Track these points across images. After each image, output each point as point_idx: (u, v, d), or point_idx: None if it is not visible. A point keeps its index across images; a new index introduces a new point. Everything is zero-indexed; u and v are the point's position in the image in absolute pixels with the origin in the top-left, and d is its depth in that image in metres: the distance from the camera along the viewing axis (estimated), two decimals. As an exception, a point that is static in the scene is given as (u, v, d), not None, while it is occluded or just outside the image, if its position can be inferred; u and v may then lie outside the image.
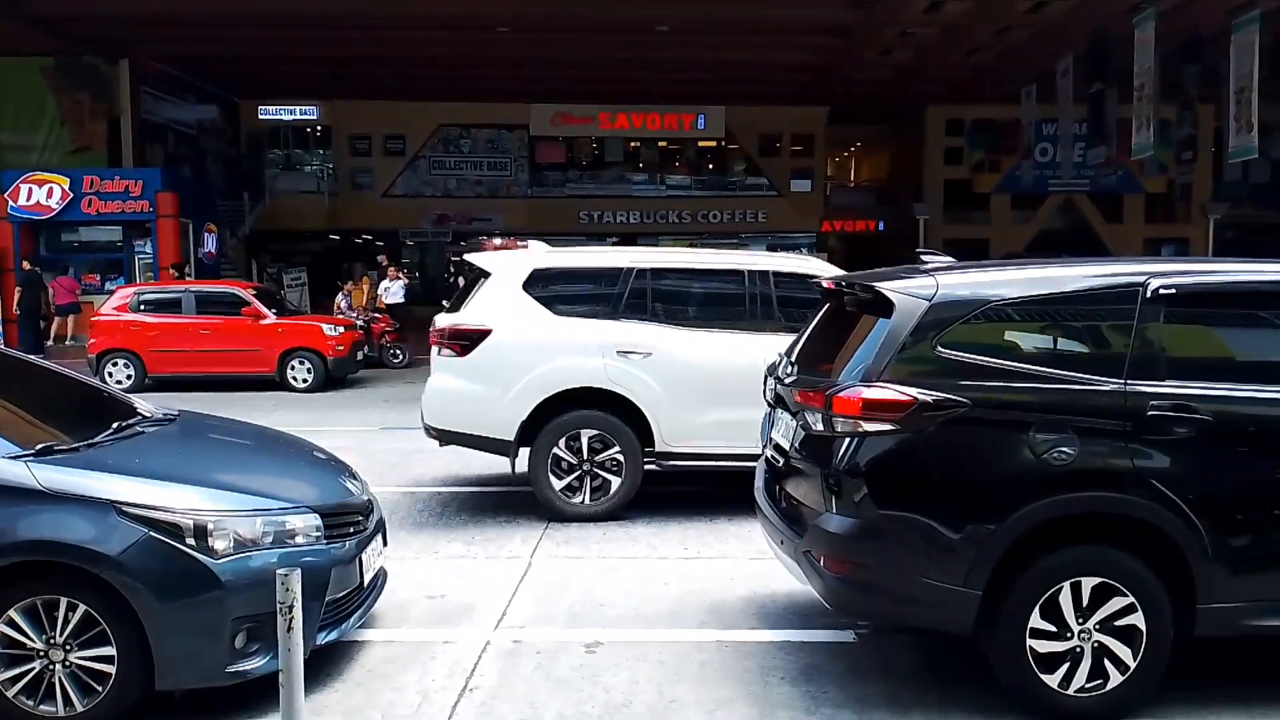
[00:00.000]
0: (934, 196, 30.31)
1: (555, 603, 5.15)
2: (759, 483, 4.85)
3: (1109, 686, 3.69)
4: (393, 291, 19.01)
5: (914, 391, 3.68)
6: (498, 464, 8.71)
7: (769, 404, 4.76)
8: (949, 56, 23.69)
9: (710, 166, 33.89)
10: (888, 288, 4.00)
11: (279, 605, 2.82)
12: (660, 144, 32.74)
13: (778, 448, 4.46)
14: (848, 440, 3.76)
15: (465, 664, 4.31)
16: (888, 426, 3.70)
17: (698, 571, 5.71)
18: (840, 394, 3.78)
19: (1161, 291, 3.84)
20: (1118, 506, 3.70)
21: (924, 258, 4.71)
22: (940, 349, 3.78)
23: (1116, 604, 3.66)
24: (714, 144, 32.99)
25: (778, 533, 4.29)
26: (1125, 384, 3.74)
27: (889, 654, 4.43)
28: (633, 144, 32.35)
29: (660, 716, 3.84)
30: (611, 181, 32.60)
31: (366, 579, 4.29)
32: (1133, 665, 3.68)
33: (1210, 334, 4.15)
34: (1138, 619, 3.66)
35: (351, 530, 4.20)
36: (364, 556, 4.23)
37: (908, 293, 3.92)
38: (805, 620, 4.86)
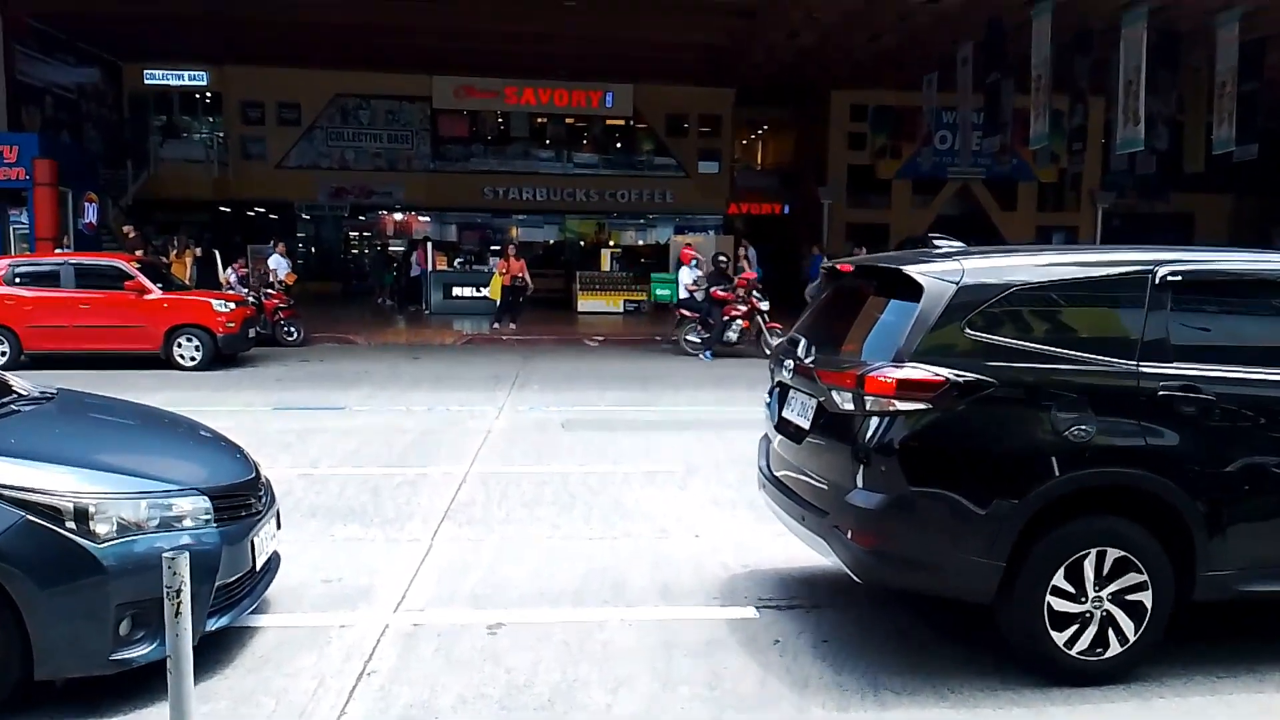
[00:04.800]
0: (838, 180, 30.83)
1: (457, 584, 5.07)
2: (763, 461, 4.97)
3: (1119, 650, 3.92)
4: (281, 267, 18.47)
5: (946, 372, 3.80)
6: (396, 446, 8.59)
7: (780, 384, 4.81)
8: (852, 42, 24.07)
9: (618, 145, 33.78)
10: (916, 271, 4.10)
11: (165, 590, 2.70)
12: (567, 121, 32.46)
13: (792, 426, 4.53)
14: (879, 419, 3.86)
15: (363, 648, 4.21)
16: (920, 406, 3.81)
17: (602, 550, 5.71)
18: (873, 374, 3.87)
19: (1169, 278, 4.05)
20: (1131, 481, 3.91)
21: (936, 242, 4.83)
22: (968, 330, 3.90)
23: (1126, 572, 3.88)
24: (622, 122, 32.88)
25: (795, 509, 4.38)
26: (1138, 366, 3.94)
27: (788, 628, 4.50)
28: (539, 120, 31.99)
29: (562, 696, 3.82)
30: (517, 157, 32.21)
31: (259, 562, 4.15)
32: (1138, 630, 3.91)
33: (1214, 319, 4.30)
34: (1145, 585, 3.89)
35: (243, 512, 4.05)
36: (256, 539, 4.08)
37: (936, 276, 4.03)
38: (708, 596, 4.92)
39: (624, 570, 5.32)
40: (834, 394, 4.11)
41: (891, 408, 3.83)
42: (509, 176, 31.53)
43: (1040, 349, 3.95)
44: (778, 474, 4.76)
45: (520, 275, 20.13)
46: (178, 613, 2.67)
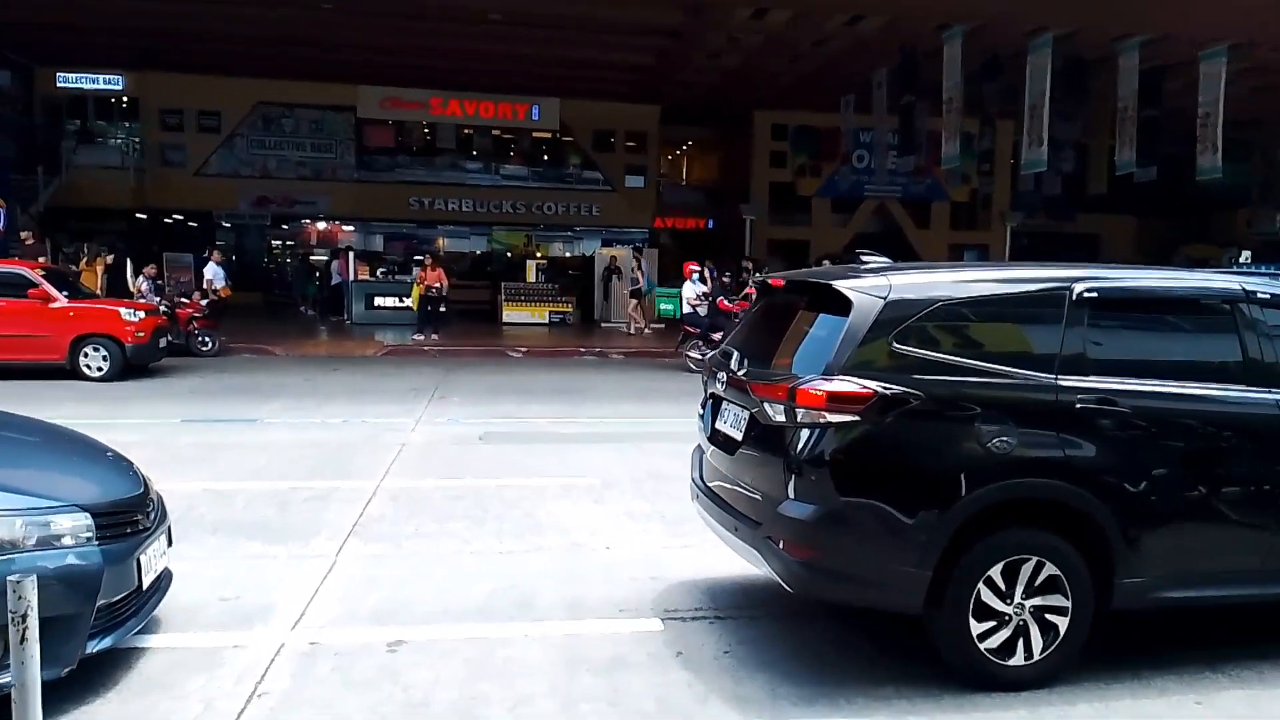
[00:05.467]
0: (760, 198, 31.22)
1: (359, 602, 4.98)
2: (696, 472, 5.00)
3: (1040, 656, 4.03)
4: (219, 277, 18.04)
5: (874, 385, 3.88)
6: (307, 460, 8.43)
7: (713, 396, 4.87)
8: (773, 64, 24.48)
9: (545, 158, 33.75)
10: (845, 286, 4.17)
11: (10, 615, 2.57)
12: (495, 133, 32.31)
13: (725, 438, 4.58)
14: (810, 431, 3.93)
15: (256, 669, 4.11)
16: (849, 418, 3.88)
17: (512, 565, 5.66)
18: (804, 386, 3.94)
19: (1086, 295, 4.20)
20: (1051, 492, 4.02)
21: (864, 258, 4.92)
22: (895, 344, 3.99)
23: (1048, 582, 4.00)
24: (549, 136, 32.85)
25: (729, 519, 4.42)
26: (1056, 379, 4.06)
27: (692, 640, 4.52)
28: (466, 131, 31.78)
29: (460, 714, 3.78)
30: (444, 169, 31.91)
31: (146, 581, 4.02)
32: (1061, 636, 4.03)
33: (1128, 334, 4.44)
34: (1066, 595, 4.01)
35: (128, 529, 3.92)
36: (143, 557, 3.96)
37: (865, 291, 4.11)
38: (615, 609, 4.91)
39: (533, 585, 5.29)
40: (766, 406, 4.17)
41: (822, 420, 3.90)
42: (436, 187, 31.23)
43: (964, 363, 4.06)
44: (711, 485, 4.81)
45: (436, 285, 19.91)
46: (23, 639, 2.55)
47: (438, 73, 26.85)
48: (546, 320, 24.74)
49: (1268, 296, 4.48)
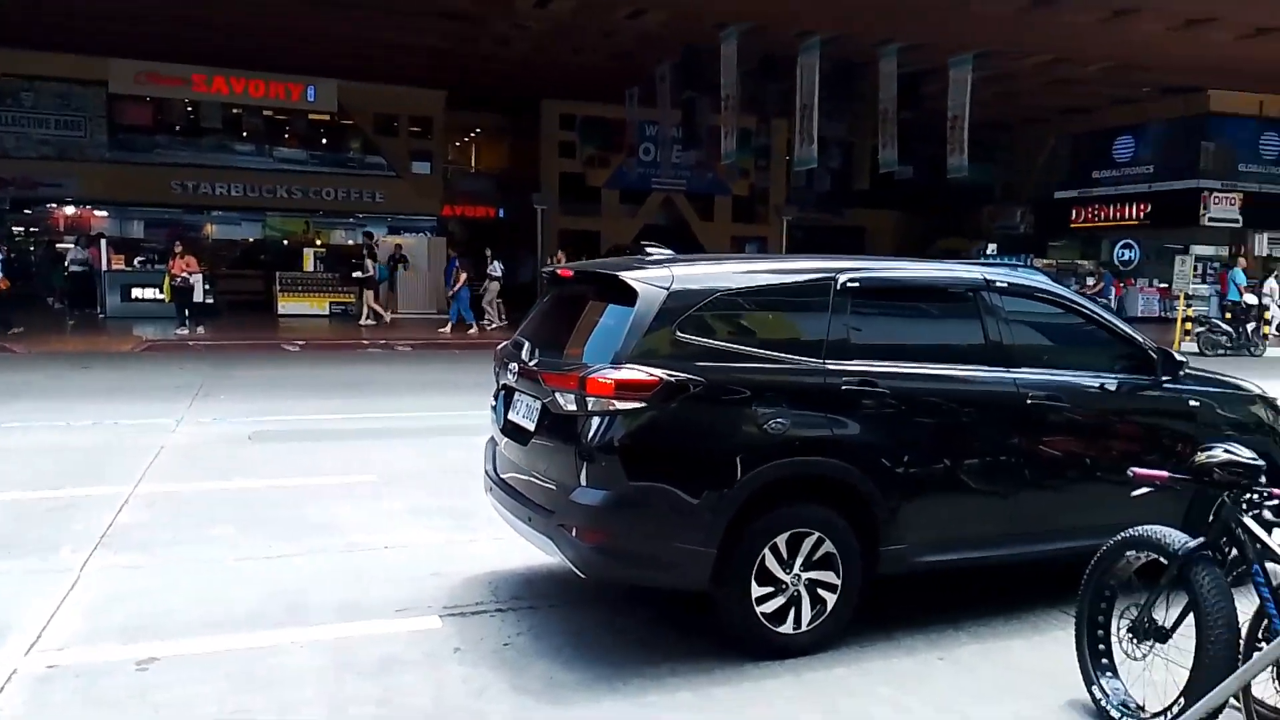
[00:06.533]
0: (550, 188, 31.23)
1: (106, 618, 4.58)
2: (489, 464, 4.98)
3: (816, 622, 4.27)
4: None
5: (660, 372, 4.01)
6: (50, 466, 7.68)
7: (505, 387, 4.85)
8: (561, 53, 24.50)
9: (324, 141, 32.26)
10: (631, 277, 4.29)
11: None
12: (267, 113, 30.52)
13: (517, 428, 4.58)
14: (600, 419, 4.02)
15: (-19, 699, 3.71)
16: (637, 405, 3.99)
17: (282, 570, 5.39)
18: (593, 375, 4.02)
19: (848, 284, 4.47)
20: (822, 469, 4.28)
21: (649, 250, 5.00)
22: (679, 333, 4.13)
23: (822, 551, 4.24)
24: (328, 118, 31.42)
25: (523, 510, 4.46)
26: (824, 363, 4.32)
27: (471, 635, 4.46)
28: (235, 110, 29.84)
29: (220, 730, 3.56)
30: (211, 150, 29.81)
31: None
32: (833, 604, 4.28)
33: (887, 320, 4.73)
34: (837, 563, 4.27)
35: None
36: None
37: (649, 282, 4.24)
38: (391, 610, 4.77)
39: (304, 589, 5.06)
40: (557, 396, 4.23)
41: (611, 407, 3.99)
42: (202, 170, 29.08)
43: (741, 349, 4.26)
44: (504, 477, 4.81)
45: (184, 274, 18.65)
46: None
47: (202, 47, 25.02)
48: (327, 312, 23.72)
49: (1006, 285, 4.93)
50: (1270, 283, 23.11)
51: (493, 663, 4.17)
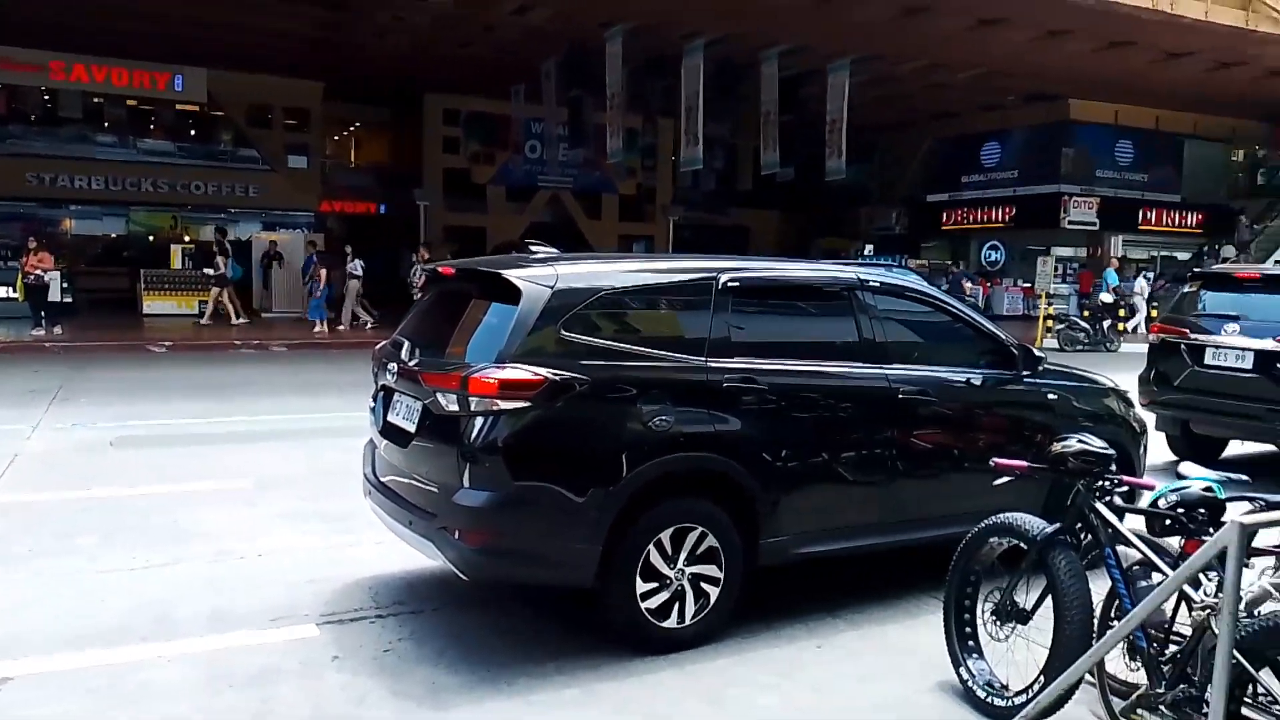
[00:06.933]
0: (434, 183, 30.74)
1: (-47, 638, 4.30)
2: (368, 468, 4.84)
3: (700, 616, 4.32)
4: None
5: (544, 371, 3.99)
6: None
7: (384, 388, 4.73)
8: (444, 47, 24.12)
9: (193, 133, 30.92)
10: (514, 276, 4.25)
11: None
12: (131, 103, 29.04)
13: (397, 430, 4.47)
14: (483, 419, 3.97)
15: None
16: (522, 404, 3.96)
17: (150, 581, 5.15)
18: (476, 375, 3.97)
19: (729, 284, 4.53)
20: (706, 464, 4.33)
21: (533, 248, 4.96)
22: (563, 332, 4.12)
23: (705, 545, 4.30)
24: (197, 109, 30.11)
25: (403, 514, 4.37)
26: (706, 361, 4.37)
27: (350, 642, 4.36)
28: (96, 100, 28.28)
29: (80, 751, 3.38)
30: (70, 141, 28.21)
31: None
32: (716, 596, 4.34)
33: (767, 318, 4.82)
34: (719, 556, 4.32)
35: None
36: None
37: (533, 281, 4.21)
38: (266, 619, 4.62)
39: (173, 600, 4.84)
40: (439, 396, 4.16)
41: (495, 407, 3.95)
42: (59, 162, 27.48)
43: (626, 348, 4.27)
44: (384, 479, 4.70)
45: (37, 271, 17.63)
46: None
47: (61, 33, 23.64)
48: (197, 311, 22.73)
49: (878, 284, 5.11)
50: (1139, 281, 24.60)
51: (373, 669, 4.08)
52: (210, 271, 21.68)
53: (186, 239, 28.45)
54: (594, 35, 21.00)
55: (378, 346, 5.10)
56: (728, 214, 35.22)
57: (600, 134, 23.82)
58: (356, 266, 21.44)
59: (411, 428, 4.40)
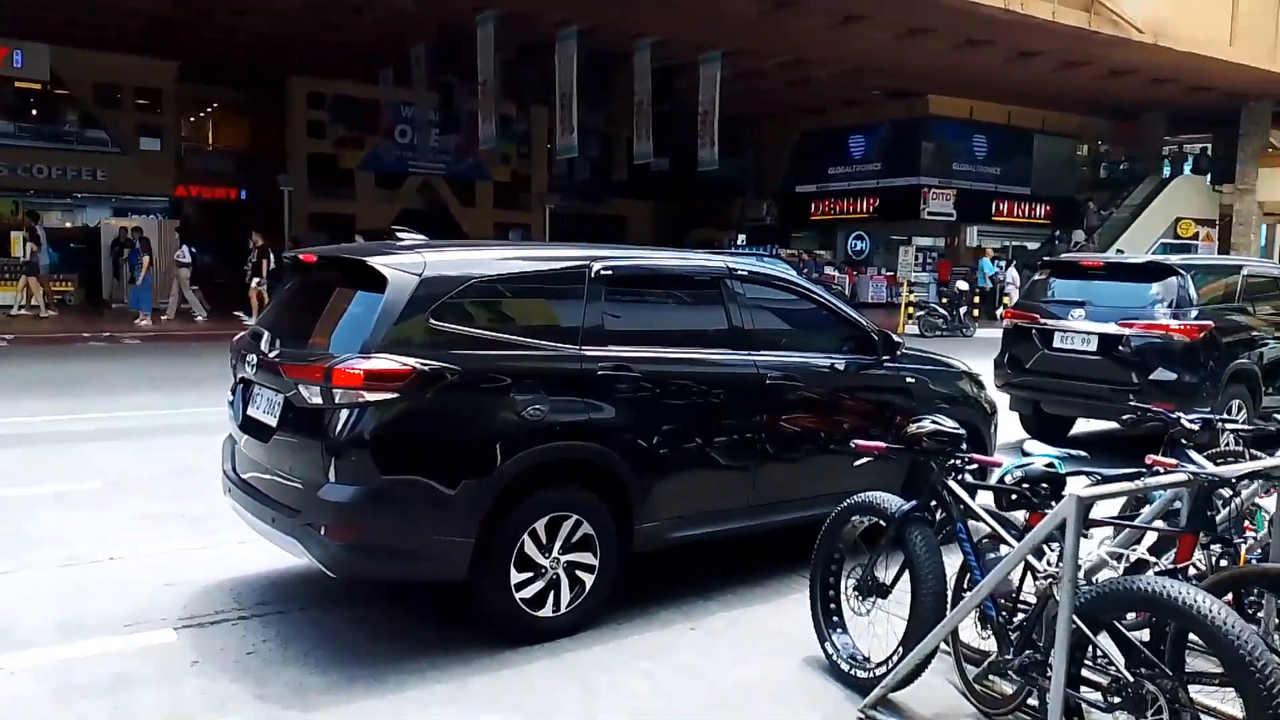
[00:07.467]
0: (298, 168, 29.70)
1: None
2: (228, 464, 4.62)
3: (576, 604, 4.32)
4: None
5: (413, 361, 3.89)
6: None
7: (243, 380, 4.54)
8: (308, 27, 23.31)
9: (35, 113, 28.96)
10: (380, 263, 4.13)
11: None
12: (-37, 80, 26.96)
13: (258, 425, 4.29)
14: (349, 411, 3.86)
15: None
16: (389, 395, 3.85)
17: (-13, 590, 4.83)
18: (340, 366, 3.86)
19: (602, 272, 4.54)
20: (581, 452, 4.33)
21: (400, 235, 4.83)
22: (432, 321, 4.02)
23: (580, 533, 4.30)
24: (39, 88, 28.19)
25: (265, 511, 4.23)
26: (580, 349, 4.37)
27: (210, 645, 4.19)
28: (-79, 75, 26.14)
29: (-92, 776, 3.16)
30: (-107, 118, 26.07)
31: None
32: (591, 583, 4.35)
33: (639, 307, 4.83)
34: (594, 543, 4.33)
35: None
36: None
37: (400, 268, 4.10)
38: (120, 625, 4.39)
39: (19, 610, 4.56)
40: (301, 388, 4.02)
41: (361, 399, 3.84)
42: (-118, 141, 25.40)
43: (498, 337, 4.22)
44: (245, 476, 4.53)
45: None
46: None
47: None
48: (36, 303, 21.27)
49: (746, 273, 5.22)
50: (1010, 271, 25.82)
51: (235, 673, 3.94)
52: (22, 258, 20.14)
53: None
54: (465, 20, 20.66)
55: (236, 338, 4.90)
56: (604, 203, 35.29)
57: (473, 120, 23.47)
58: (185, 253, 20.24)
59: (273, 422, 4.25)
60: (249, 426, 4.48)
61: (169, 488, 6.79)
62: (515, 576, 4.17)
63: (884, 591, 3.94)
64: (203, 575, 5.05)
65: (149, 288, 19.52)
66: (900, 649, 3.69)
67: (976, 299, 23.63)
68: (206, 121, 36.48)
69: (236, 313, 19.40)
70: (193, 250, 20.56)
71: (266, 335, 4.49)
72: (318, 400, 3.96)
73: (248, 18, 22.54)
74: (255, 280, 19.38)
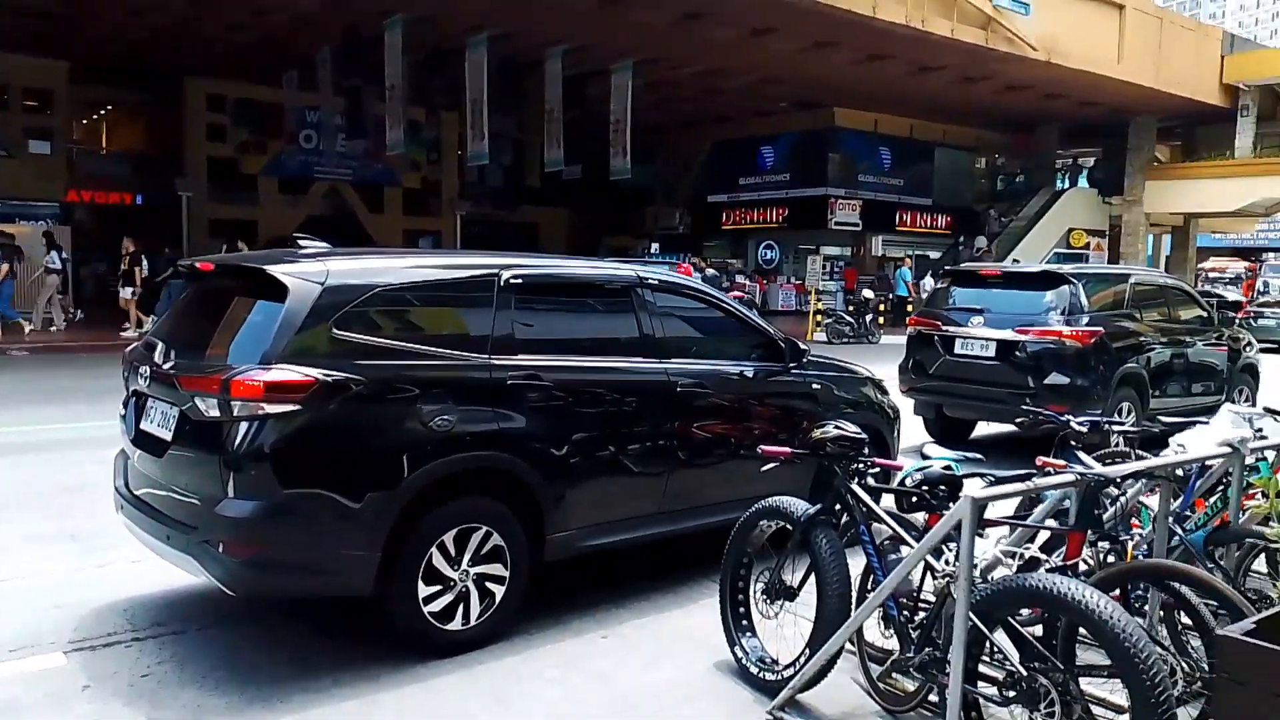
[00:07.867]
0: (197, 173, 28.74)
1: None
2: (120, 480, 4.44)
3: (486, 615, 4.28)
4: None
5: (315, 372, 3.81)
6: None
7: (136, 393, 4.38)
8: (207, 28, 22.61)
9: (-89, 114, 27.42)
10: (280, 271, 4.03)
11: None
12: None
13: (152, 439, 4.13)
14: (248, 424, 3.76)
15: None
16: (290, 408, 3.76)
17: None
18: (239, 377, 3.76)
19: (512, 281, 4.48)
20: (490, 462, 4.30)
21: (301, 243, 4.73)
22: (336, 330, 3.94)
23: (489, 544, 4.26)
24: (-84, 87, 26.74)
25: (160, 529, 4.10)
26: (490, 359, 4.33)
27: (103, 669, 4.03)
28: None
29: None
30: None
31: None
32: (502, 594, 4.32)
33: (550, 316, 4.81)
34: (504, 554, 4.30)
35: None
36: None
37: (301, 276, 4.01)
38: (3, 651, 4.18)
39: (-112, 637, 4.30)
40: (198, 401, 3.89)
41: (261, 411, 3.74)
42: None
43: (404, 346, 4.15)
44: (138, 492, 4.36)
45: None
46: None
47: None
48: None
49: (656, 282, 5.27)
50: (927, 279, 26.50)
51: (128, 697, 3.79)
52: None
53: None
54: (372, 24, 20.33)
55: (128, 348, 4.72)
56: (517, 211, 35.04)
57: (380, 125, 23.10)
58: (54, 259, 19.07)
59: (168, 435, 4.11)
60: (142, 441, 4.33)
61: (58, 505, 6.50)
62: (423, 590, 4.11)
63: (791, 594, 4.01)
64: (94, 596, 4.85)
65: (7, 298, 18.48)
66: (807, 650, 3.75)
67: (882, 305, 24.22)
68: (100, 124, 35.01)
69: (125, 327, 18.52)
70: (63, 257, 19.54)
71: (161, 346, 4.35)
72: (215, 413, 3.85)
73: (143, 16, 21.75)
74: (129, 290, 18.52)
